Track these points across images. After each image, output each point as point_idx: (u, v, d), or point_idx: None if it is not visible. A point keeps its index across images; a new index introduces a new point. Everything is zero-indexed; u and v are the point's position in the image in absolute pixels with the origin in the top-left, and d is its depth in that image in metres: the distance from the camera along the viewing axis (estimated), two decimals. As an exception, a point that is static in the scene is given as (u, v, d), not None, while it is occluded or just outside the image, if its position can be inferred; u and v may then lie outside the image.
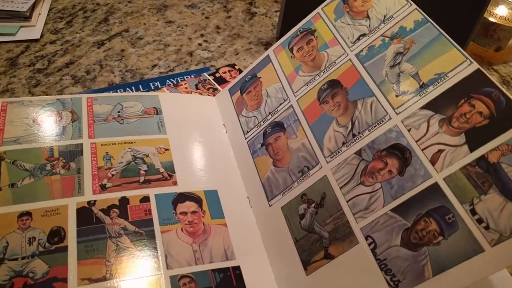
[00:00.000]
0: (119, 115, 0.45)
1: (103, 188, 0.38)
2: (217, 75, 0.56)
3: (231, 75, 0.56)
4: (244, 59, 0.61)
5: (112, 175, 0.39)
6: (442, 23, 0.58)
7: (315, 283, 0.34)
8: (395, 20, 0.40)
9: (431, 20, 0.39)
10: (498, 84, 0.32)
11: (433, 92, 0.34)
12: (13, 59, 0.57)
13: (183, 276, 0.34)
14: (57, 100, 0.45)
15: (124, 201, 0.37)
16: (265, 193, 0.40)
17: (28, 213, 0.35)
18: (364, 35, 0.41)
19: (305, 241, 0.35)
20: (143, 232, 0.36)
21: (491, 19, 0.62)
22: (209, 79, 0.55)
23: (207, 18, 0.69)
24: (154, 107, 0.46)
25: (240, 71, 0.57)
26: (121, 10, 0.69)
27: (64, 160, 0.39)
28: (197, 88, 0.53)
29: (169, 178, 0.40)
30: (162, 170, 0.41)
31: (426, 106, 0.34)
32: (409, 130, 0.34)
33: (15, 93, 0.52)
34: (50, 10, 0.67)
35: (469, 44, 0.58)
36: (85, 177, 0.38)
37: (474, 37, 0.62)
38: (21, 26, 0.62)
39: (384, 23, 0.41)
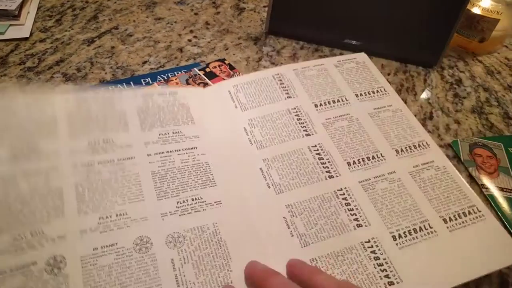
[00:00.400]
0: None
1: None
2: (207, 70, 0.57)
3: (221, 70, 0.57)
4: (234, 54, 0.62)
5: None
6: (426, 15, 0.60)
7: None
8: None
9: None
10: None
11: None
12: (3, 58, 0.57)
13: None
14: None
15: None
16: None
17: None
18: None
19: None
20: None
21: (475, 10, 0.63)
22: (199, 74, 0.55)
23: (196, 14, 0.70)
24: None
25: (230, 65, 0.58)
26: (110, 8, 0.69)
27: None
28: (187, 83, 0.54)
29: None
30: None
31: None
32: None
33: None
34: (38, 8, 0.67)
35: (454, 36, 0.59)
36: None
37: (458, 29, 0.63)
38: (10, 25, 0.62)
39: None
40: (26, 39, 0.61)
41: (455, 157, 0.50)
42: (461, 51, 0.68)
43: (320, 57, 0.63)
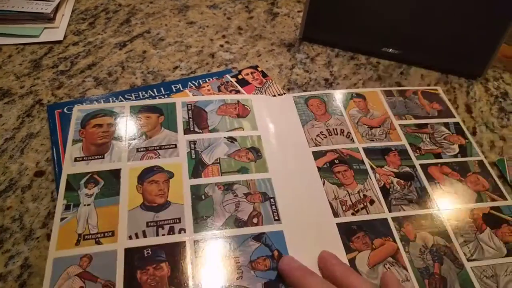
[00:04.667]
0: None
1: None
2: (240, 77, 0.55)
3: (253, 77, 0.55)
4: (267, 61, 0.60)
5: None
6: (472, 23, 0.56)
7: None
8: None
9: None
10: None
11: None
12: (37, 60, 0.58)
13: None
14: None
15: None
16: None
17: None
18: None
19: None
20: None
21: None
22: (231, 81, 0.54)
23: (228, 18, 0.69)
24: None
25: (262, 73, 0.56)
26: (142, 11, 0.69)
27: None
28: (219, 90, 0.52)
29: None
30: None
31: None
32: None
33: (38, 95, 0.52)
34: (73, 11, 0.67)
35: (501, 46, 0.56)
36: None
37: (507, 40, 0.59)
38: (45, 28, 0.62)
39: None
40: (59, 42, 0.61)
41: (501, 177, 0.47)
42: (508, 62, 0.64)
43: (356, 65, 0.61)
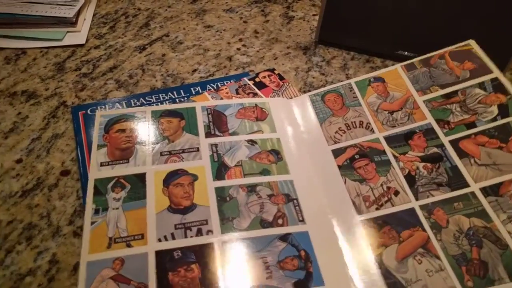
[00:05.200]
0: None
1: None
2: (257, 79, 0.56)
3: (270, 80, 0.56)
4: (283, 64, 0.61)
5: None
6: (490, 27, 0.56)
7: None
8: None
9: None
10: None
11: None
12: (61, 63, 0.59)
13: None
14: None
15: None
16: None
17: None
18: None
19: None
20: None
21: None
22: (249, 84, 0.55)
23: (245, 22, 0.70)
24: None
25: (279, 75, 0.57)
26: (161, 15, 0.71)
27: None
28: (237, 93, 0.54)
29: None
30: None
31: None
32: None
33: (62, 97, 0.54)
34: (94, 15, 0.69)
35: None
36: None
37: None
38: (68, 32, 0.64)
39: None
40: (82, 45, 0.63)
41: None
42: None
43: (372, 68, 0.61)
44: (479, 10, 0.55)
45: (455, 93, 0.45)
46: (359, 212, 0.40)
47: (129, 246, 0.36)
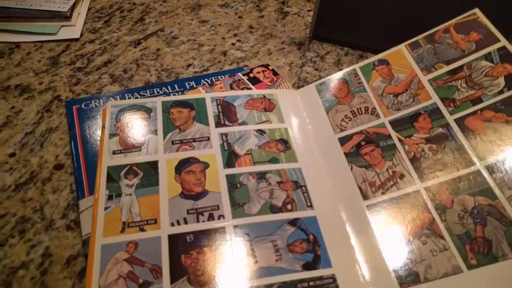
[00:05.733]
0: None
1: None
2: (251, 75, 0.56)
3: (264, 75, 0.56)
4: (277, 59, 0.61)
5: None
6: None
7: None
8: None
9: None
10: None
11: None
12: (55, 58, 0.59)
13: None
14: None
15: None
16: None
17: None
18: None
19: None
20: None
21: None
22: (243, 79, 0.55)
23: (240, 17, 0.70)
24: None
25: (273, 71, 0.57)
26: (156, 10, 0.70)
27: None
28: (231, 88, 0.54)
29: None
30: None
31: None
32: None
33: (57, 91, 0.54)
34: (89, 9, 0.69)
35: None
36: None
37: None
38: (62, 26, 0.64)
39: None
40: (76, 39, 0.63)
41: None
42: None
43: (365, 64, 0.62)
44: (472, 7, 0.55)
45: (460, 68, 0.44)
46: (365, 197, 0.40)
47: (142, 230, 0.37)
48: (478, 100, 0.41)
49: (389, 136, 0.43)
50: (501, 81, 0.41)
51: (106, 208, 0.39)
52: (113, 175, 0.41)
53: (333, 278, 0.35)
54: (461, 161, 0.39)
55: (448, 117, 0.42)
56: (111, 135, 0.45)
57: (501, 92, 0.40)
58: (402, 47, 0.49)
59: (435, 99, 0.43)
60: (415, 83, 0.46)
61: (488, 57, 0.43)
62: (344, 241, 0.38)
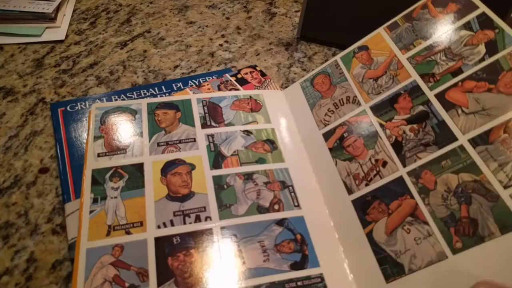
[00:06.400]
0: None
1: None
2: (239, 76, 0.56)
3: (252, 76, 0.56)
4: (265, 60, 0.61)
5: None
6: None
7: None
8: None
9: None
10: None
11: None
12: (39, 60, 0.58)
13: None
14: None
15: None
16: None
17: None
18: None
19: None
20: None
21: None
22: (231, 80, 0.55)
23: (227, 18, 0.70)
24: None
25: (261, 72, 0.57)
26: (143, 11, 0.70)
27: None
28: (219, 89, 0.53)
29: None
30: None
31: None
32: None
33: (41, 93, 0.53)
34: (74, 11, 0.68)
35: None
36: None
37: None
38: (47, 27, 0.63)
39: None
40: (61, 41, 0.62)
41: None
42: None
43: (353, 64, 0.62)
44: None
45: (438, 42, 0.42)
46: (350, 191, 0.40)
47: (128, 233, 0.37)
48: (459, 71, 0.39)
49: (370, 123, 0.42)
50: (482, 48, 0.39)
51: (91, 212, 0.38)
52: (98, 178, 0.41)
53: (321, 277, 0.35)
54: (443, 138, 0.37)
55: (428, 93, 0.40)
56: (96, 138, 0.44)
57: (482, 60, 0.38)
58: (381, 29, 0.48)
59: (415, 76, 0.42)
60: (394, 63, 0.44)
61: (467, 25, 0.41)
62: (331, 239, 0.38)
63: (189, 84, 0.55)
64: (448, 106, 0.38)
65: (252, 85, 0.55)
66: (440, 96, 0.39)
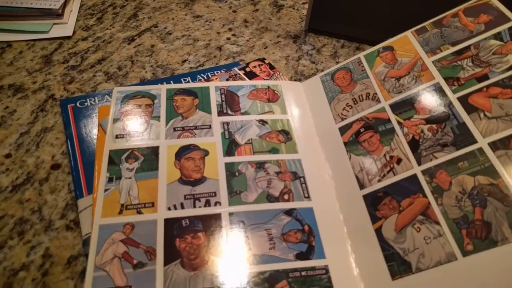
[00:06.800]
0: None
1: None
2: (248, 69, 0.56)
3: (261, 69, 0.56)
4: (273, 53, 0.61)
5: None
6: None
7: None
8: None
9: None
10: None
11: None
12: (48, 56, 0.58)
13: None
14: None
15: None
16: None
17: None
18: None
19: None
20: None
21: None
22: (239, 74, 0.55)
23: (234, 11, 0.69)
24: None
25: (270, 65, 0.57)
26: (149, 6, 0.70)
27: None
28: (228, 83, 0.53)
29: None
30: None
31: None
32: None
33: (51, 90, 0.53)
34: (80, 6, 0.68)
35: None
36: None
37: None
38: (54, 24, 0.63)
39: None
40: (69, 37, 0.62)
41: None
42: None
43: (362, 56, 0.61)
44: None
45: (467, 48, 0.42)
46: (362, 186, 0.40)
47: (139, 212, 0.38)
48: (485, 77, 0.39)
49: (388, 120, 0.42)
50: (511, 58, 0.39)
51: (105, 190, 0.39)
52: (114, 159, 0.42)
53: (325, 269, 0.35)
54: (462, 139, 0.37)
55: (451, 96, 0.40)
56: (115, 120, 0.45)
57: (510, 68, 0.38)
58: (408, 33, 0.48)
59: (439, 79, 0.42)
60: (418, 65, 0.44)
61: (497, 36, 0.41)
62: (339, 233, 0.38)
63: (197, 79, 0.55)
64: (471, 109, 0.38)
65: (261, 78, 0.54)
66: (463, 99, 0.39)
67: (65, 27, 0.63)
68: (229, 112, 0.47)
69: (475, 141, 0.36)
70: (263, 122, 0.46)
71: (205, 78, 0.55)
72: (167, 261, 0.35)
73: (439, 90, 0.41)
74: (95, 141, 0.46)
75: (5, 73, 0.55)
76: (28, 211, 0.41)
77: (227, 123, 0.46)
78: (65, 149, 0.46)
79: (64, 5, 0.65)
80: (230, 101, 0.48)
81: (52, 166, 0.45)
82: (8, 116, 0.50)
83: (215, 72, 0.56)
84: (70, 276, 0.37)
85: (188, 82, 0.54)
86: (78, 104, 0.51)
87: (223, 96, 0.49)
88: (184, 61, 0.59)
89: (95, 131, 0.47)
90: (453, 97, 0.40)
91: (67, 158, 0.46)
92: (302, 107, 0.49)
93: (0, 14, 0.62)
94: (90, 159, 0.44)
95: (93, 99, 0.51)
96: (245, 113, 0.47)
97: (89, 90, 0.53)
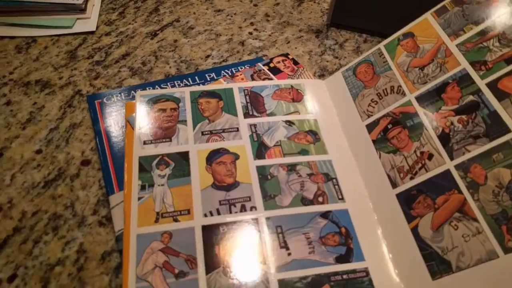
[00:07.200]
0: None
1: None
2: (271, 65, 0.56)
3: (285, 65, 0.56)
4: (296, 48, 0.61)
5: None
6: None
7: None
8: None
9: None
10: None
11: None
12: (72, 51, 0.59)
13: None
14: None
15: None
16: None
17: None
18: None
19: None
20: None
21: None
22: (264, 69, 0.55)
23: (255, 5, 0.69)
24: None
25: (294, 60, 0.57)
26: (170, 0, 0.69)
27: None
28: (252, 79, 0.53)
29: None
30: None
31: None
32: None
33: (77, 86, 0.54)
34: (102, 1, 0.68)
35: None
36: None
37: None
38: (77, 19, 0.63)
39: None
40: (92, 32, 0.62)
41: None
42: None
43: (385, 50, 0.61)
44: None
45: (492, 27, 0.39)
46: (394, 185, 0.39)
47: (176, 220, 0.38)
48: None
49: (416, 114, 0.41)
50: None
51: (139, 199, 0.39)
52: (145, 165, 0.42)
53: (366, 271, 0.35)
54: (494, 130, 0.34)
55: (479, 82, 0.37)
56: (141, 125, 0.45)
57: None
58: (428, 15, 0.46)
59: (464, 64, 0.39)
60: (442, 51, 0.42)
61: None
62: (375, 234, 0.38)
63: (222, 74, 0.55)
64: (501, 95, 0.35)
65: (285, 74, 0.54)
66: (492, 85, 0.36)
67: (88, 22, 0.63)
68: (255, 113, 0.47)
69: (509, 130, 0.34)
70: (290, 123, 0.46)
71: (230, 74, 0.55)
72: (208, 270, 0.35)
73: (466, 77, 0.39)
74: (124, 137, 0.46)
75: (32, 69, 0.56)
76: (61, 206, 0.42)
77: (254, 125, 0.46)
78: (94, 145, 0.47)
79: (87, 0, 0.65)
80: (255, 102, 0.48)
81: (82, 162, 0.46)
82: (37, 112, 0.51)
83: (239, 67, 0.56)
84: (104, 271, 0.37)
85: (213, 78, 0.54)
86: (104, 100, 0.51)
87: (247, 97, 0.49)
88: (208, 56, 0.59)
89: (123, 127, 0.48)
90: (481, 84, 0.37)
91: (96, 154, 0.46)
92: (326, 106, 0.49)
93: (24, 9, 0.63)
94: (120, 155, 0.45)
95: (119, 95, 0.52)
96: (271, 114, 0.47)
97: (114, 86, 0.54)
